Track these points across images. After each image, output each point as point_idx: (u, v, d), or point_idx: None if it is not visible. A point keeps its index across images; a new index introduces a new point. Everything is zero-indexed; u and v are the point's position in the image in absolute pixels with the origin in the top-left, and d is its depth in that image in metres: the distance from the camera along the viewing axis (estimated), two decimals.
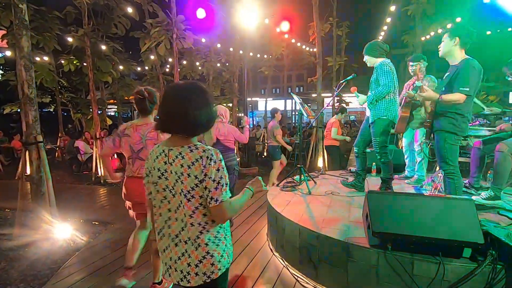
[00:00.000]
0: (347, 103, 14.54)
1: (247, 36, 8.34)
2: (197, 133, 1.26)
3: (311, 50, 14.76)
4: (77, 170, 8.16)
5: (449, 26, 10.11)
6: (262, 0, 7.23)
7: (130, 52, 11.99)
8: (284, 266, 2.78)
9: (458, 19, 9.55)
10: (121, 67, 12.34)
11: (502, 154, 2.71)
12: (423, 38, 10.53)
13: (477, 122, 3.48)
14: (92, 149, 7.71)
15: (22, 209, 3.46)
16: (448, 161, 2.62)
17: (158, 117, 1.25)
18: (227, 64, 15.24)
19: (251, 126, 16.00)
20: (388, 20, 8.55)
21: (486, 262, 1.82)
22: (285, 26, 7.56)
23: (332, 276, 2.31)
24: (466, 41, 2.56)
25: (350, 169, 5.06)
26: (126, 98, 16.29)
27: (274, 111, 5.64)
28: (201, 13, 6.68)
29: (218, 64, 14.90)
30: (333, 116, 6.17)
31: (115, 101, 15.75)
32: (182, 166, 1.20)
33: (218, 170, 1.20)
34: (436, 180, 3.60)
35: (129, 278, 2.37)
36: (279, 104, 23.87)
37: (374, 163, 4.52)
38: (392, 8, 8.06)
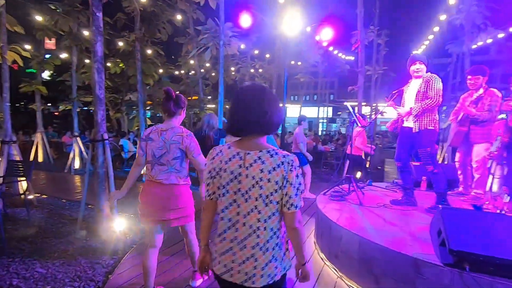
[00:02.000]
0: (381, 113, 14.12)
1: (288, 43, 8.43)
2: (271, 132, 1.27)
3: (346, 58, 14.59)
4: (120, 167, 8.62)
5: (500, 36, 9.58)
6: (305, 8, 7.29)
7: (173, 57, 12.51)
8: (338, 276, 2.75)
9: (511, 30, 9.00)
10: (160, 70, 12.93)
11: None
12: (471, 48, 10.04)
13: None
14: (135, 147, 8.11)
15: (86, 201, 3.71)
16: None
17: (226, 120, 1.27)
18: (260, 70, 15.48)
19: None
20: (435, 29, 8.24)
21: None
22: (327, 34, 7.54)
23: None
24: None
25: (393, 181, 4.91)
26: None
27: (302, 119, 5.67)
28: (245, 21, 6.84)
29: (252, 70, 15.17)
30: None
31: (152, 103, 16.52)
32: (262, 171, 1.20)
33: (297, 176, 1.22)
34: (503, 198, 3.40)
35: None
36: (313, 111, 23.75)
37: (424, 177, 4.35)
38: (442, 17, 7.77)
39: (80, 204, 3.96)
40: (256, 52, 11.41)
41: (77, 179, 7.46)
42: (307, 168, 5.63)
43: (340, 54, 12.76)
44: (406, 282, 2.18)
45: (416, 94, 3.18)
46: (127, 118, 12.08)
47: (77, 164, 8.24)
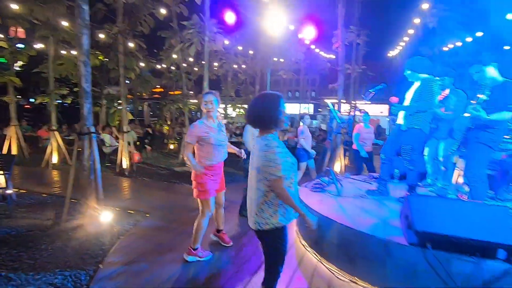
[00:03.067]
0: (360, 110, 14.67)
1: (271, 41, 8.59)
2: (272, 128, 1.78)
3: (327, 56, 14.97)
4: (101, 162, 8.46)
5: (469, 39, 10.25)
6: (288, 6, 7.46)
7: (155, 51, 12.31)
8: (318, 260, 2.98)
9: (479, 34, 9.67)
10: (142, 64, 12.69)
11: None
12: (442, 50, 10.69)
13: (507, 137, 3.64)
14: (118, 142, 8.00)
15: (70, 195, 3.71)
16: (476, 170, 2.80)
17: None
18: (243, 66, 15.54)
19: None
20: (410, 31, 8.71)
21: None
22: (309, 33, 7.77)
23: (370, 271, 2.51)
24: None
25: (371, 175, 5.24)
26: (144, 94, 16.66)
27: (301, 117, 5.96)
28: (230, 18, 6.93)
29: (235, 66, 15.20)
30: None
31: (132, 96, 16.18)
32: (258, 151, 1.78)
33: (276, 154, 1.70)
34: (462, 190, 3.78)
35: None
36: (294, 108, 24.08)
37: (397, 170, 4.69)
38: (416, 20, 8.22)
39: (61, 199, 3.96)
40: (240, 48, 11.46)
41: (55, 174, 7.28)
42: (303, 164, 5.66)
43: (321, 52, 13.09)
44: (378, 262, 2.44)
45: (413, 96, 3.42)
46: (105, 112, 11.79)
47: (55, 159, 8.01)
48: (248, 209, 1.90)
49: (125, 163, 7.29)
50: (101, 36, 8.72)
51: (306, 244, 3.31)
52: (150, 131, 13.99)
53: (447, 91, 3.94)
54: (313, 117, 28.40)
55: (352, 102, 11.95)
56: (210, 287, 2.52)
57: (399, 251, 2.32)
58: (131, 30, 9.70)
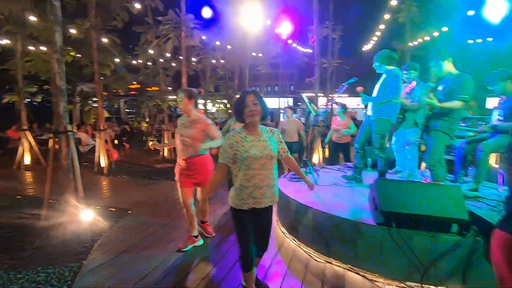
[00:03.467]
0: (337, 103, 15.13)
1: (249, 35, 8.66)
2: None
3: (304, 50, 15.23)
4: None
5: (435, 34, 10.83)
6: (265, 2, 7.56)
7: (130, 46, 11.99)
8: (297, 245, 3.18)
9: (445, 29, 10.24)
10: (117, 60, 12.35)
11: (483, 154, 3.20)
12: (411, 44, 11.22)
13: (463, 125, 3.99)
14: (95, 140, 7.82)
15: (48, 194, 3.67)
16: (435, 156, 3.08)
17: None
18: (222, 61, 15.49)
19: None
20: (382, 26, 9.09)
21: (469, 235, 2.27)
22: (285, 28, 7.92)
23: (342, 251, 2.73)
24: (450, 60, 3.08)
25: (346, 164, 5.52)
26: (120, 91, 16.19)
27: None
28: (206, 13, 6.94)
29: (214, 61, 15.12)
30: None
31: (108, 94, 15.69)
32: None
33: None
34: (426, 174, 4.10)
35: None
36: (274, 102, 24.31)
37: (370, 159, 4.97)
38: (387, 16, 8.59)
39: (38, 200, 3.89)
40: (218, 43, 11.43)
41: (29, 175, 7.03)
42: None
43: (298, 47, 13.30)
44: (350, 241, 2.66)
45: (376, 87, 3.64)
46: (79, 109, 11.41)
47: (27, 160, 7.71)
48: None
49: (103, 162, 7.17)
50: (72, 31, 8.39)
51: (285, 231, 3.50)
52: (128, 129, 13.69)
53: (414, 83, 4.23)
54: (293, 110, 28.86)
55: (330, 95, 12.32)
56: (195, 276, 2.63)
57: (368, 231, 2.55)
58: (104, 25, 9.43)
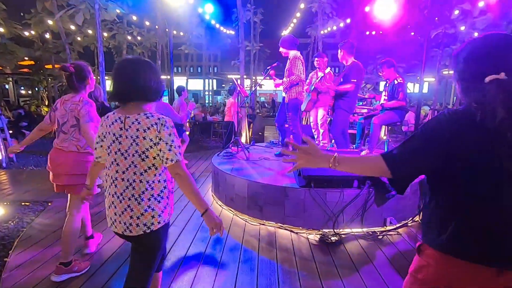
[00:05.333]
0: (260, 85, 15.90)
1: (169, 12, 8.28)
2: (152, 99, 1.44)
3: (228, 32, 15.27)
4: None
5: (341, 25, 12.32)
6: None
7: (22, 14, 9.92)
8: (234, 214, 3.53)
9: (348, 20, 11.74)
10: (1, 30, 10.14)
11: (374, 126, 4.08)
12: (322, 32, 12.53)
13: (361, 104, 4.90)
14: None
15: None
16: (338, 128, 3.82)
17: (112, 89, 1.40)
18: (139, 38, 14.28)
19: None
20: (298, 14, 9.86)
21: (365, 187, 2.99)
22: (208, 8, 7.88)
23: (274, 213, 3.20)
24: (351, 51, 3.76)
25: (271, 141, 6.10)
26: (7, 68, 13.41)
27: (181, 89, 5.97)
28: None
29: (130, 37, 13.83)
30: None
31: None
32: (138, 130, 1.37)
33: (170, 134, 1.37)
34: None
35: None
36: (198, 84, 23.69)
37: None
38: (302, 5, 9.35)
39: None
40: (134, 18, 10.50)
41: None
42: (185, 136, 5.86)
43: (222, 28, 13.28)
44: (279, 204, 3.14)
45: (285, 71, 4.09)
46: None
47: None
48: (111, 212, 1.45)
49: (0, 154, 6.07)
50: None
51: (222, 204, 3.81)
52: (24, 114, 11.58)
53: (328, 70, 4.91)
54: (217, 92, 28.79)
55: (253, 77, 12.86)
56: None
57: (293, 193, 3.06)
58: None
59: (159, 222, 1.42)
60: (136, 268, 1.49)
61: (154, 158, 1.39)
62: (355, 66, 3.70)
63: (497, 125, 0.84)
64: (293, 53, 4.00)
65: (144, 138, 1.36)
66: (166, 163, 1.38)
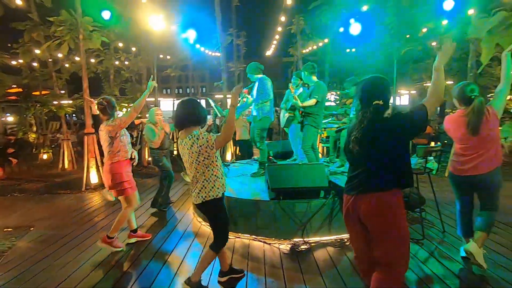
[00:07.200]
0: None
1: (154, 38, 8.67)
2: (198, 124, 2.25)
3: (213, 54, 15.81)
4: None
5: (320, 44, 12.97)
6: (167, 7, 7.74)
7: (9, 44, 10.20)
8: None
9: (326, 40, 12.39)
10: None
11: (343, 138, 4.37)
12: (303, 51, 13.15)
13: (330, 118, 5.22)
14: None
15: None
16: (308, 143, 4.07)
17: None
18: (126, 62, 14.64)
19: None
20: (277, 37, 10.40)
21: (330, 197, 3.22)
22: (191, 34, 8.29)
23: (247, 225, 3.37)
24: (313, 71, 4.10)
25: (254, 158, 6.33)
26: None
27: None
28: (106, 15, 6.70)
29: (117, 62, 14.17)
30: None
31: None
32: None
33: (207, 140, 2.16)
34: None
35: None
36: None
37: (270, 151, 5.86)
38: (279, 29, 9.90)
39: None
40: (121, 44, 10.87)
41: None
42: None
43: (207, 51, 13.77)
44: (251, 216, 3.33)
45: (256, 92, 4.34)
46: None
47: None
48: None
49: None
50: None
51: (201, 220, 3.96)
52: (13, 140, 11.58)
53: (301, 89, 5.21)
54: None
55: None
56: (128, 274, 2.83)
57: (264, 205, 3.26)
58: None
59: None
60: None
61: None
62: (318, 84, 4.03)
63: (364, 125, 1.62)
64: (259, 76, 4.25)
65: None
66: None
